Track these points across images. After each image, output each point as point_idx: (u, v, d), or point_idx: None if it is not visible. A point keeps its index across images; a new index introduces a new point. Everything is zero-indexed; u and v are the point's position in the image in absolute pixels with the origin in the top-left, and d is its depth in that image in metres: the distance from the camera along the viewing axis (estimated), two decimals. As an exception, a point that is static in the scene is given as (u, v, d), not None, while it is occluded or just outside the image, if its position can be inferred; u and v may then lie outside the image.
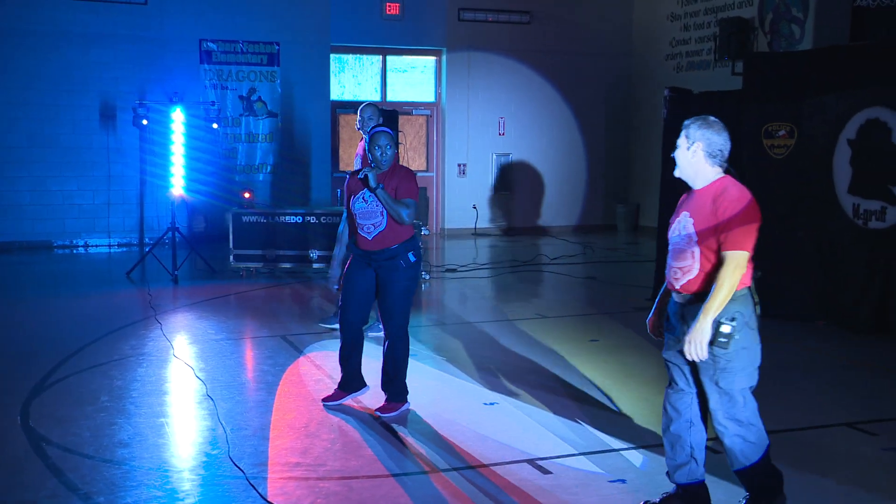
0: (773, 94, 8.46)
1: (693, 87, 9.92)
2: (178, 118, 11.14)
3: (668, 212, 9.22)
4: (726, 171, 3.81)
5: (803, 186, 8.17)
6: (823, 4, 12.10)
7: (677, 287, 3.80)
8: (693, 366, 3.81)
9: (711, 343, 3.61)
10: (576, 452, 4.79)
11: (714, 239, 3.64)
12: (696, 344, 3.60)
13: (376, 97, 15.23)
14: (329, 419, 5.37)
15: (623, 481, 4.39)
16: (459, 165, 15.82)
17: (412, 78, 15.75)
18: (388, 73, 15.54)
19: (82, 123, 13.33)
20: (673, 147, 3.91)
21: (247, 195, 11.39)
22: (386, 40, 15.16)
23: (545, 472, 4.52)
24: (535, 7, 15.79)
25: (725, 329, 3.60)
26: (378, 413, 5.41)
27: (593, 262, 12.44)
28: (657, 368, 6.55)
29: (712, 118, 3.81)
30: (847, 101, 7.83)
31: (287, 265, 10.82)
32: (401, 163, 7.70)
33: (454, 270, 11.45)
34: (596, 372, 6.45)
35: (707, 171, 3.78)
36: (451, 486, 4.36)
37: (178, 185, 11.16)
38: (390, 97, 15.39)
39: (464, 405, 5.69)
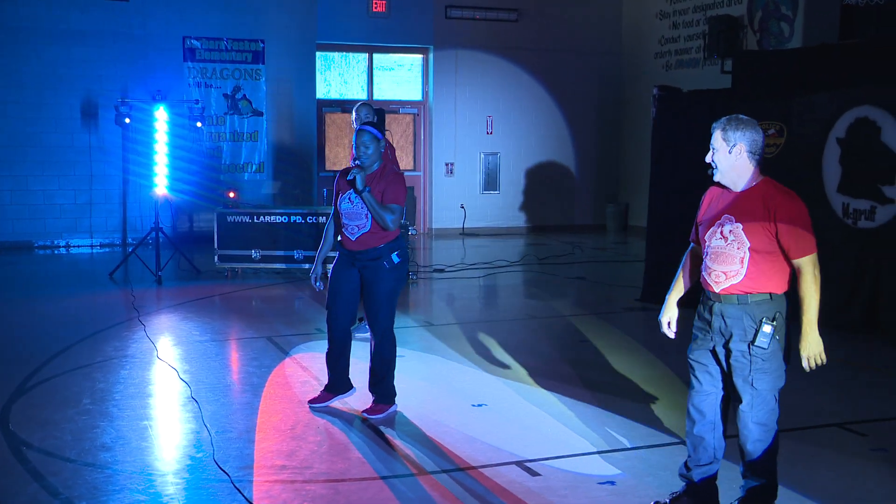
0: (763, 92, 8.44)
1: (682, 86, 9.89)
2: (161, 116, 11.03)
3: (658, 212, 9.26)
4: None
5: (793, 185, 8.04)
6: (812, 2, 12.12)
7: (717, 290, 3.74)
8: (722, 367, 3.78)
9: (752, 342, 3.62)
10: (565, 454, 4.76)
11: (770, 244, 3.62)
12: (814, 356, 3.65)
13: (363, 95, 15.15)
14: (315, 421, 5.32)
15: (612, 483, 4.36)
16: (447, 164, 15.76)
17: (399, 76, 15.68)
18: (375, 72, 15.46)
19: (64, 122, 13.19)
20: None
21: (231, 195, 11.30)
22: (372, 38, 15.09)
23: (534, 473, 4.49)
24: (523, 5, 15.75)
25: (767, 329, 3.61)
26: (365, 415, 5.35)
27: (582, 262, 12.41)
28: (647, 369, 6.54)
29: (744, 116, 3.75)
30: (837, 100, 7.81)
31: (272, 265, 10.74)
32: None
33: (442, 271, 11.38)
34: (585, 372, 6.41)
35: (749, 172, 3.72)
36: (439, 488, 4.33)
37: (161, 185, 11.06)
38: (377, 95, 15.31)
39: (452, 406, 5.65)
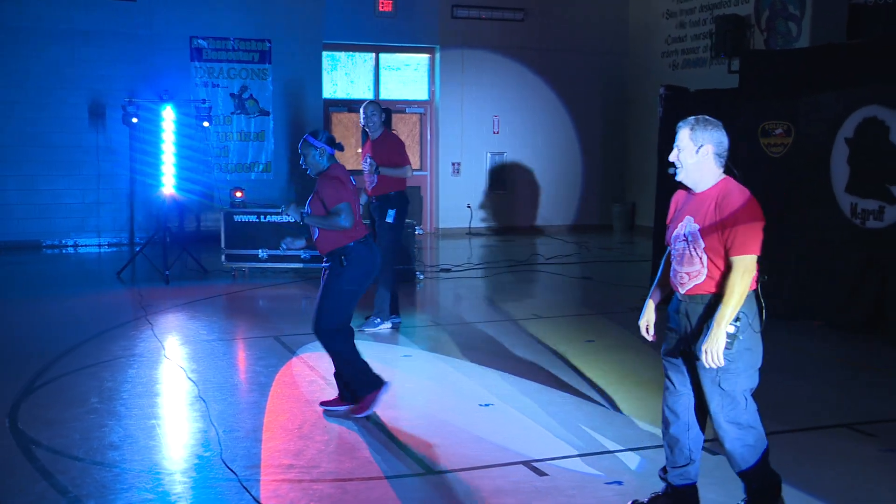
0: (770, 91, 8.42)
1: (689, 85, 9.87)
2: (168, 116, 11.06)
3: (664, 211, 9.22)
4: (726, 171, 3.76)
5: (800, 185, 8.13)
6: (820, 2, 12.06)
7: (683, 291, 3.76)
8: (692, 367, 3.76)
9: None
10: (572, 454, 4.75)
11: (720, 243, 3.60)
12: (713, 353, 3.56)
13: (369, 95, 15.14)
14: (323, 421, 5.33)
15: (619, 483, 4.36)
16: (453, 164, 15.75)
17: (405, 76, 15.67)
18: (382, 71, 15.45)
19: (71, 122, 13.21)
20: (670, 146, 3.83)
21: (238, 194, 11.29)
22: (379, 38, 15.08)
23: (541, 473, 4.48)
24: (530, 4, 15.72)
25: (730, 330, 3.58)
26: (353, 414, 5.32)
27: (589, 261, 12.39)
28: (654, 369, 6.50)
29: (710, 118, 3.74)
30: (845, 100, 7.79)
31: (279, 265, 10.74)
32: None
33: (448, 270, 11.38)
34: (592, 372, 6.40)
35: (712, 173, 3.72)
36: (445, 488, 4.33)
37: (168, 184, 11.08)
38: (384, 95, 15.31)
39: (459, 406, 5.64)
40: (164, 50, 13.58)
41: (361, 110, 7.71)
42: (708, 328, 3.61)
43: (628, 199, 16.42)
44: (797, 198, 8.14)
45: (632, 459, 4.70)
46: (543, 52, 15.90)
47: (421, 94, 15.76)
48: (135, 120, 11.64)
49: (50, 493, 4.21)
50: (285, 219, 5.65)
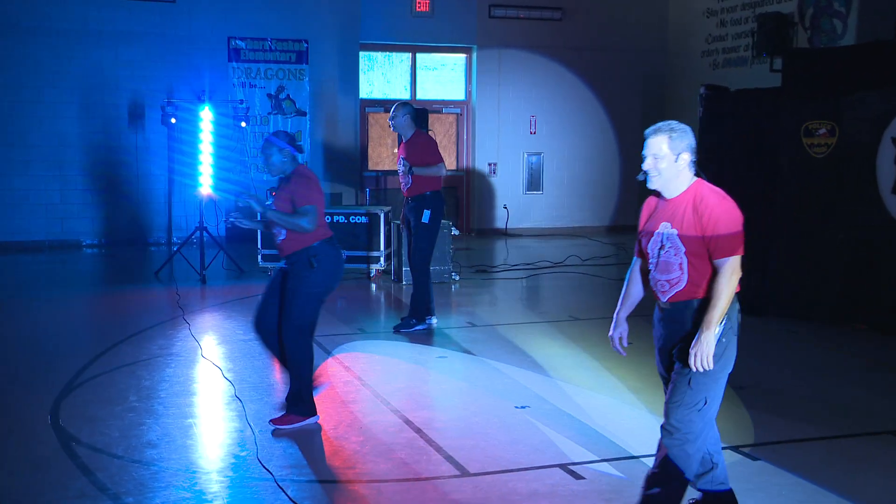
0: (814, 91, 8.26)
1: (730, 85, 9.71)
2: (206, 116, 11.12)
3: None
4: (696, 174, 3.70)
5: (844, 186, 7.96)
6: (867, -2, 11.82)
7: (665, 300, 3.69)
8: (671, 366, 3.68)
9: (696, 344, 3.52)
10: (610, 458, 4.69)
11: (702, 247, 3.54)
12: (703, 357, 3.49)
13: (406, 95, 15.13)
14: (358, 421, 5.32)
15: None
16: (490, 164, 15.68)
17: (442, 76, 15.64)
18: (418, 71, 15.44)
19: (111, 122, 13.36)
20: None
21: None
22: (416, 38, 15.06)
23: (578, 477, 4.43)
24: (567, 3, 15.61)
25: (716, 331, 3.51)
26: (273, 423, 5.19)
27: (627, 263, 12.17)
28: None
29: (679, 123, 3.68)
30: (891, 99, 7.60)
31: (315, 265, 10.73)
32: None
33: (485, 271, 11.32)
34: (630, 375, 6.31)
35: (687, 179, 3.67)
36: (481, 490, 4.29)
37: (206, 184, 11.14)
38: (420, 95, 15.29)
39: (495, 408, 5.59)
40: (202, 50, 13.68)
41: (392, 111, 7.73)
42: (695, 332, 3.53)
43: (666, 200, 16.19)
44: (841, 199, 7.98)
45: (672, 465, 4.61)
46: (581, 51, 15.77)
47: (458, 94, 15.72)
48: (173, 120, 11.74)
49: (90, 490, 4.26)
50: (241, 205, 5.56)
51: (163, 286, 10.12)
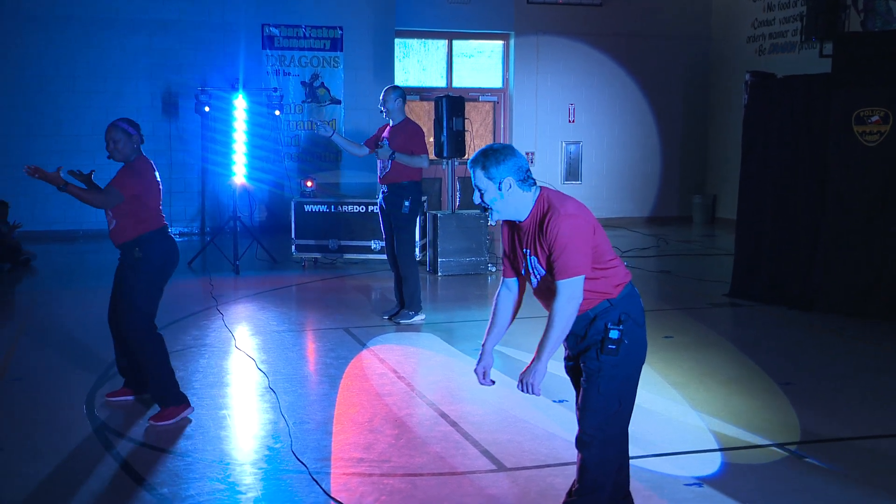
0: (866, 77, 7.91)
1: (777, 71, 9.34)
2: (240, 105, 11.00)
3: (749, 203, 8.77)
4: (534, 185, 3.38)
5: (897, 175, 7.58)
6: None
7: None
8: (578, 374, 3.46)
9: (599, 351, 3.29)
10: (649, 453, 4.57)
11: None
12: (529, 385, 3.29)
13: (441, 83, 14.92)
14: (393, 414, 5.24)
15: (699, 485, 4.21)
16: (527, 153, 15.39)
17: (479, 63, 15.37)
18: (455, 59, 15.19)
19: (145, 111, 13.28)
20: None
21: (309, 184, 11.15)
22: (452, 24, 14.82)
23: (619, 473, 4.18)
24: (608, -11, 15.27)
25: (614, 333, 3.28)
26: (152, 422, 5.01)
27: (667, 255, 11.93)
28: (735, 368, 6.27)
29: (496, 146, 3.35)
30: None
31: (349, 256, 10.58)
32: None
33: (522, 261, 11.04)
34: (670, 370, 6.13)
35: (526, 199, 3.33)
36: (518, 485, 4.24)
37: (239, 174, 11.01)
38: (456, 83, 15.05)
39: (532, 402, 5.37)
40: (236, 38, 13.56)
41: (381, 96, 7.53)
42: (588, 339, 3.33)
43: (709, 191, 15.83)
44: (894, 188, 7.61)
45: (712, 460, 4.51)
46: (622, 37, 15.41)
47: (495, 81, 15.45)
48: (207, 109, 11.62)
49: (125, 480, 4.23)
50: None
51: (196, 276, 10.02)
